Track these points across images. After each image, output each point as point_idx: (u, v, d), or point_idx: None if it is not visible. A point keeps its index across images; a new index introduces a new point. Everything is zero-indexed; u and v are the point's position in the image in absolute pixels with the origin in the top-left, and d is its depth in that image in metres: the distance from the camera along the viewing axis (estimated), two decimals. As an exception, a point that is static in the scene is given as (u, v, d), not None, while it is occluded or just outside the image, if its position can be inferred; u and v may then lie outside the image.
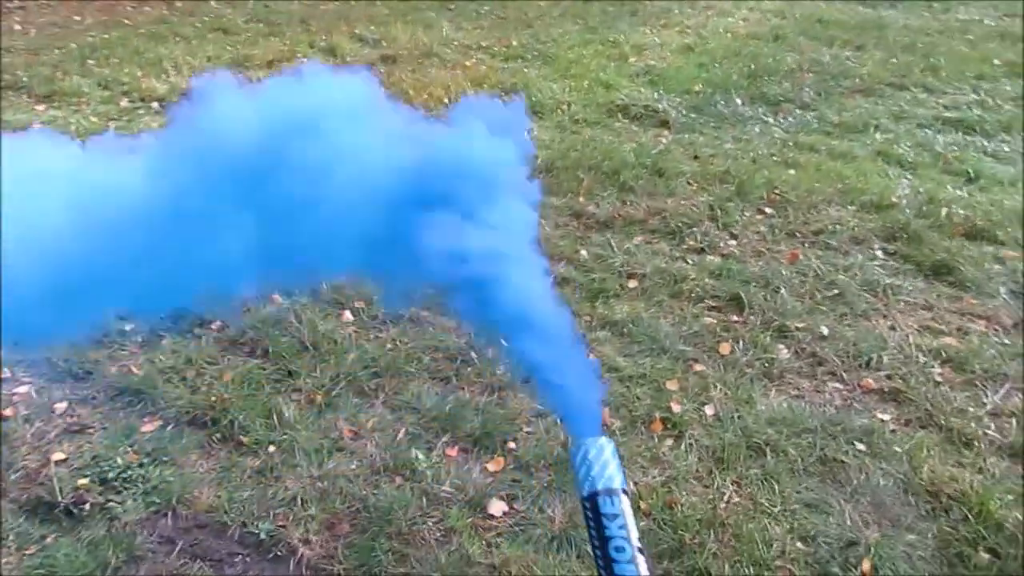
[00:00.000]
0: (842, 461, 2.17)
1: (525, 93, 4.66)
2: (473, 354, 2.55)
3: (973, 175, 3.76)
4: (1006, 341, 2.64)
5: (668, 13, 6.57)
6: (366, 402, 2.38)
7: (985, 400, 2.38)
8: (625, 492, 1.16)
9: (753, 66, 5.19)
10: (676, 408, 2.35)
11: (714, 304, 2.84)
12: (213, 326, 2.70)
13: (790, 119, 4.48)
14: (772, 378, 2.50)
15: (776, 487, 2.09)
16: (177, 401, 2.34)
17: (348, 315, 2.76)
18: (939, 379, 2.47)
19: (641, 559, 1.16)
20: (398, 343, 2.61)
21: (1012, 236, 3.22)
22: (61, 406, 2.36)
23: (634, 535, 1.16)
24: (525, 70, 5.19)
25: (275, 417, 2.28)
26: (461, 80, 4.88)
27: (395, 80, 4.78)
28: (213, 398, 2.35)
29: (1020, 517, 1.95)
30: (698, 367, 2.53)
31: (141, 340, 2.62)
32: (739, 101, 4.69)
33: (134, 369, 2.49)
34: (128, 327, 2.65)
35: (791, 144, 4.14)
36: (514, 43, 5.73)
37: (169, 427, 2.27)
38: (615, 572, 1.16)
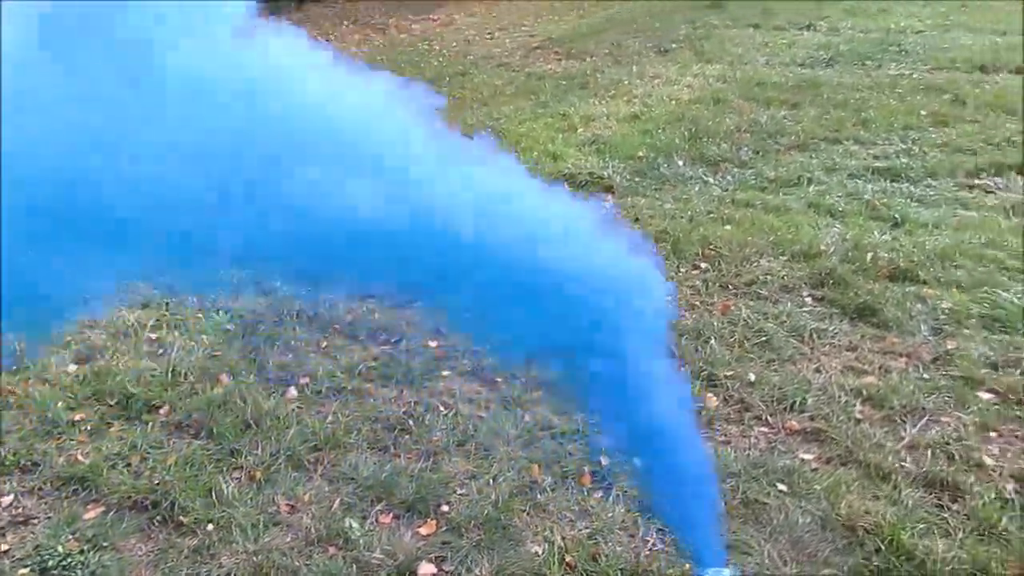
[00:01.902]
0: (764, 502, 2.24)
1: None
2: (411, 422, 2.63)
3: (899, 219, 3.93)
4: (925, 376, 2.74)
5: (617, 85, 6.89)
6: (304, 475, 2.44)
7: (903, 434, 2.47)
8: None
9: (694, 129, 5.45)
10: (605, 461, 2.42)
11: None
12: (161, 411, 2.78)
13: (728, 177, 4.68)
14: (701, 426, 2.58)
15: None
16: (120, 487, 2.40)
17: (292, 392, 2.85)
18: (859, 416, 2.56)
19: None
20: (339, 415, 2.69)
21: (933, 275, 3.36)
22: (7, 499, 2.41)
23: None
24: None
25: (214, 496, 2.34)
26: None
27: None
28: (155, 482, 2.41)
29: (931, 545, 2.02)
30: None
31: (90, 428, 2.69)
32: (680, 163, 4.91)
33: (80, 457, 2.55)
34: (78, 416, 2.74)
35: (728, 201, 4.33)
36: (468, 121, 5.99)
37: (111, 513, 2.32)
38: None
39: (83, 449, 2.60)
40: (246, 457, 2.51)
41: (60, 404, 2.80)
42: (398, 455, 2.50)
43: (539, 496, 2.32)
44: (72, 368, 3.04)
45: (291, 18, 10.89)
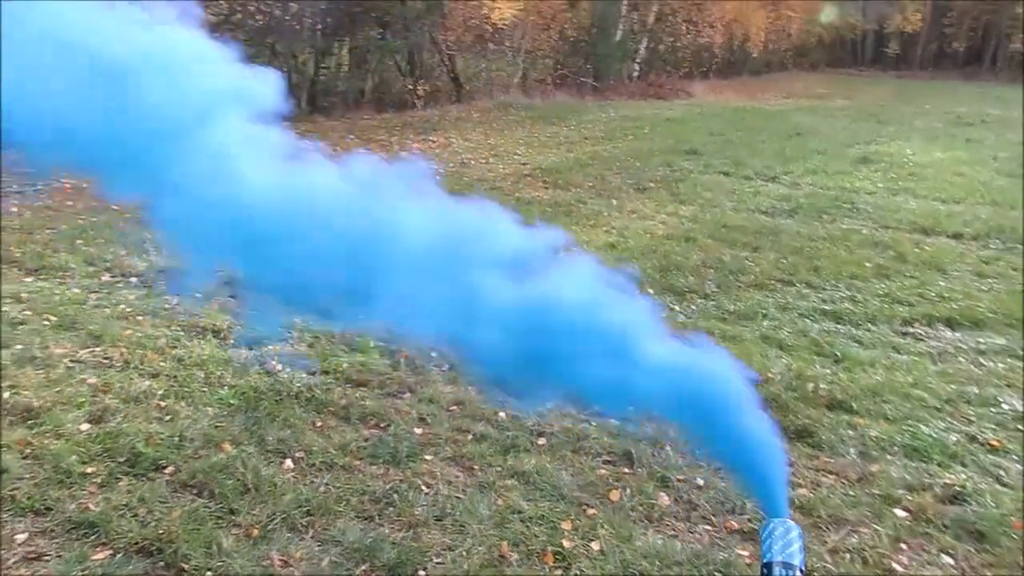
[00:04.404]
0: (703, 589, 2.55)
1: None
2: (395, 497, 2.93)
3: (840, 356, 4.42)
4: (850, 492, 3.12)
5: (598, 215, 7.56)
6: (297, 536, 2.71)
7: (827, 539, 2.82)
8: (802, 571, 1.50)
9: (665, 262, 6.02)
10: (567, 544, 2.73)
11: (608, 459, 3.29)
12: (167, 470, 3.05)
13: (692, 307, 5.19)
14: (652, 520, 2.91)
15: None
16: (128, 533, 2.65)
17: (289, 463, 3.14)
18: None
19: None
20: (330, 486, 2.98)
21: (865, 407, 3.80)
22: (21, 537, 2.64)
23: None
24: (468, 260, 5.93)
25: (215, 547, 2.59)
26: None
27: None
28: (160, 531, 2.67)
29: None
30: (590, 511, 2.94)
31: (100, 481, 2.95)
32: (650, 291, 5.42)
33: (91, 506, 2.80)
34: (89, 469, 2.99)
35: (690, 328, 4.81)
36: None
37: (118, 556, 2.56)
38: None
39: (93, 499, 2.85)
40: (244, 516, 2.78)
41: (73, 457, 3.06)
42: (382, 525, 2.78)
43: (506, 570, 2.60)
44: (85, 427, 3.31)
45: (299, 129, 11.71)
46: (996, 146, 12.66)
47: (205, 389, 3.70)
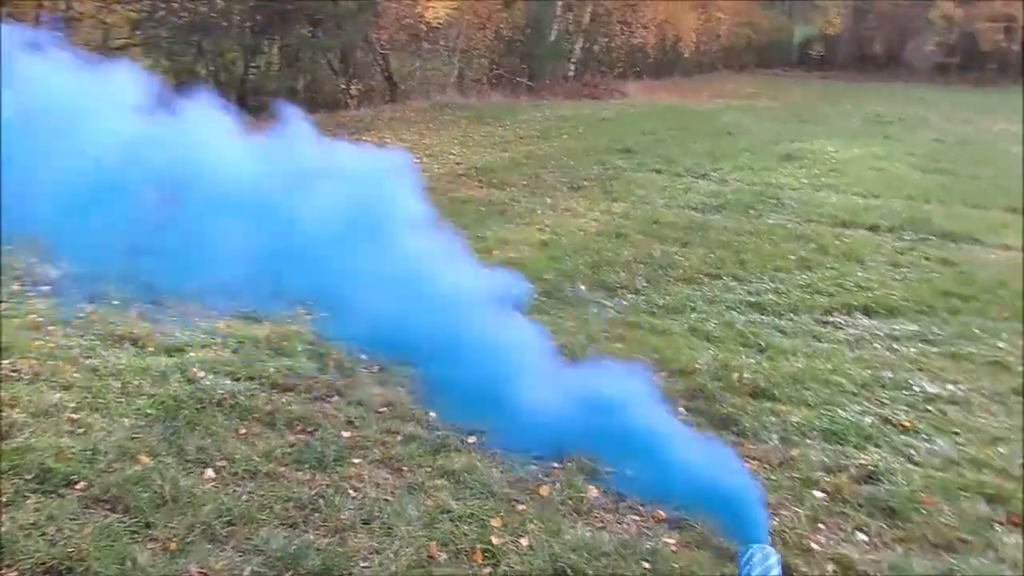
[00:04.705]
0: (629, 578, 2.58)
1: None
2: (321, 502, 2.88)
3: (763, 346, 4.55)
4: (772, 476, 3.21)
5: (532, 213, 7.60)
6: (218, 547, 2.63)
7: (749, 524, 2.89)
8: None
9: (597, 258, 6.09)
10: (496, 541, 2.73)
11: (539, 454, 3.30)
12: (78, 486, 2.91)
13: (623, 302, 5.27)
14: (581, 513, 2.94)
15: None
16: (35, 553, 2.52)
17: (210, 472, 3.04)
18: (715, 509, 2.97)
19: None
20: (254, 495, 2.90)
21: (787, 394, 3.92)
22: (-84, 563, 2.48)
23: None
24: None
25: (129, 563, 2.49)
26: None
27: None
28: (70, 550, 2.54)
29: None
30: (520, 507, 2.94)
31: (5, 500, 2.80)
32: (583, 287, 5.48)
33: (-5, 526, 2.65)
34: (-7, 489, 2.84)
35: (621, 323, 4.88)
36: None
37: (24, 577, 2.44)
38: None
39: (-3, 519, 2.70)
40: (161, 529, 2.68)
41: (-25, 477, 2.90)
42: (307, 531, 2.73)
43: (435, 570, 2.58)
44: (-11, 443, 3.14)
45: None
46: (912, 143, 13.27)
47: (121, 400, 3.55)
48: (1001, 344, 4.66)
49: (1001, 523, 2.91)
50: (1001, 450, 3.42)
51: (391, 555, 2.63)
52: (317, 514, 2.82)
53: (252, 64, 14.54)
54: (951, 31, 32.70)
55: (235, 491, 2.93)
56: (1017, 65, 31.00)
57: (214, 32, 12.83)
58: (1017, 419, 3.75)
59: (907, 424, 3.65)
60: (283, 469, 3.09)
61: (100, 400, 3.53)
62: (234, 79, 13.99)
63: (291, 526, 2.76)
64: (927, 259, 6.52)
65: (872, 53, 35.24)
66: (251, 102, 14.12)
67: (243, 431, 3.37)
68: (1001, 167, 11.20)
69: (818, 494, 3.09)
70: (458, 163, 10.14)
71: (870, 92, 24.38)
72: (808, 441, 3.49)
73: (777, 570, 1.61)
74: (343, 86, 15.06)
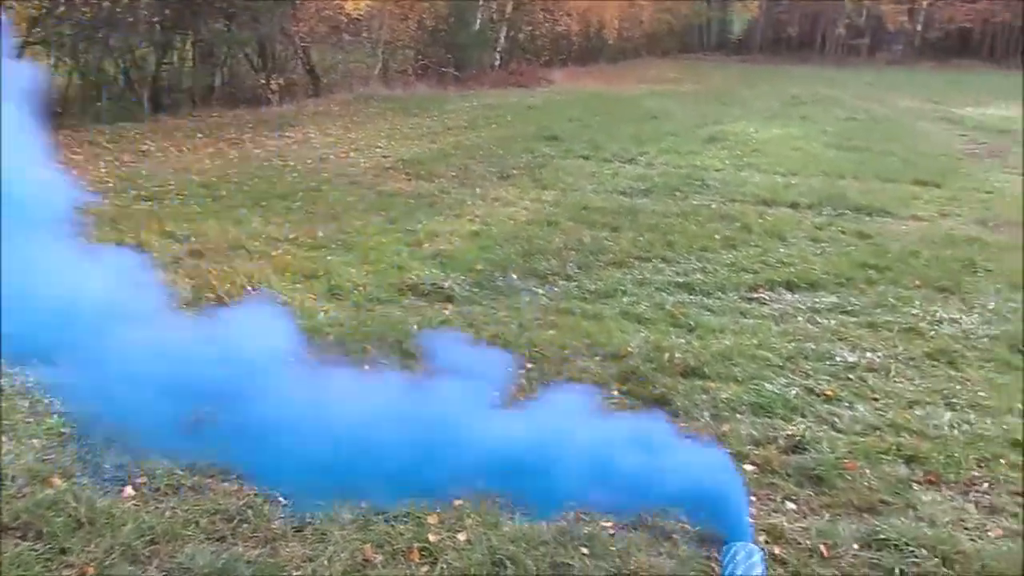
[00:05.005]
0: (569, 564, 2.58)
1: (325, 277, 5.21)
2: (250, 512, 2.77)
3: (693, 326, 4.63)
4: (704, 454, 3.27)
5: (461, 204, 7.54)
6: (140, 568, 2.50)
7: (684, 502, 2.93)
8: None
9: (528, 247, 6.08)
10: (433, 538, 2.69)
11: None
12: (-17, 515, 2.73)
13: (555, 289, 5.28)
14: (518, 504, 2.92)
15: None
16: (-65, 591, 2.35)
17: (129, 490, 2.90)
18: (650, 489, 3.01)
19: None
20: (177, 510, 2.78)
21: (716, 371, 4.00)
22: None
23: None
24: (328, 258, 5.74)
25: (42, 593, 2.35)
26: (266, 269, 5.32)
27: (200, 272, 5.13)
28: (-24, 583, 2.38)
29: (698, 589, 2.43)
30: (456, 502, 2.91)
31: (-100, 537, 2.60)
32: (514, 276, 5.46)
33: None
34: None
35: (553, 309, 4.88)
36: (320, 234, 6.32)
37: (-77, 618, 2.26)
38: None
39: None
40: (78, 555, 2.53)
41: None
42: (236, 544, 2.62)
43: (370, 573, 2.53)
44: None
45: (141, 130, 10.90)
46: (826, 122, 13.79)
47: (30, 420, 3.35)
48: (914, 311, 4.88)
49: (919, 482, 3.03)
50: (917, 412, 3.58)
51: (325, 561, 2.55)
52: (246, 525, 2.72)
53: (164, 61, 13.96)
54: (860, 14, 34.07)
55: (157, 508, 2.80)
56: (919, 45, 32.54)
57: (120, 28, 12.24)
58: (930, 382, 3.92)
59: (830, 393, 3.77)
60: (208, 480, 2.97)
61: (7, 422, 3.32)
62: (145, 77, 13.40)
63: (219, 540, 2.65)
64: (844, 233, 6.76)
65: (787, 36, 36.43)
66: (165, 100, 13.58)
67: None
68: (908, 143, 11.75)
69: (748, 467, 3.15)
70: (385, 156, 9.99)
71: (785, 75, 25.20)
72: (738, 416, 3.57)
73: (760, 567, 1.63)
74: (263, 81, 14.61)
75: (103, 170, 8.54)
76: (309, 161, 9.44)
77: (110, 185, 7.77)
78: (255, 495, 2.89)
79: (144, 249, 5.68)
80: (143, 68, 13.43)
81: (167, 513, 2.76)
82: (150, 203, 7.19)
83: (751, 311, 4.95)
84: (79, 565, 2.50)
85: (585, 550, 2.65)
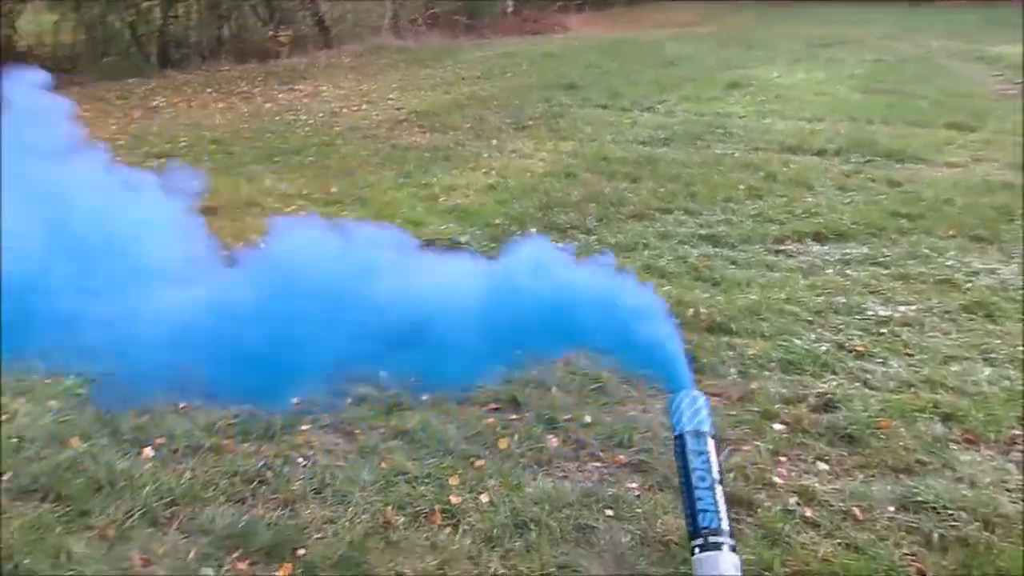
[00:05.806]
0: (593, 526, 2.53)
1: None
2: (269, 474, 2.74)
3: (718, 279, 4.50)
4: (732, 411, 3.18)
5: (477, 157, 7.36)
6: (160, 531, 2.48)
7: (711, 461, 2.86)
8: (713, 437, 1.39)
9: (546, 199, 5.94)
10: (455, 500, 2.64)
11: (496, 406, 3.21)
12: (4, 477, 2.72)
13: (574, 243, 5.14)
14: (542, 464, 2.86)
15: (537, 556, 2.40)
16: (-43, 554, 2.34)
17: (148, 451, 2.87)
18: (677, 448, 2.93)
19: (719, 488, 1.47)
20: (196, 472, 2.75)
21: (743, 327, 3.89)
22: None
23: (715, 469, 1.48)
24: (343, 213, 5.63)
25: (64, 555, 2.33)
26: (280, 226, 5.22)
27: (213, 230, 5.03)
28: (-2, 546, 2.37)
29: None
30: (478, 462, 2.85)
31: (-78, 500, 2.59)
32: (533, 230, 5.33)
33: (-89, 529, 2.45)
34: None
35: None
36: (333, 190, 6.21)
37: (-54, 581, 2.26)
38: (695, 497, 1.47)
39: (-86, 520, 2.50)
40: (98, 516, 2.51)
41: None
42: (255, 505, 2.59)
43: (392, 535, 2.49)
44: (-101, 440, 2.90)
45: (150, 86, 10.74)
46: (853, 64, 13.26)
47: (48, 381, 3.32)
48: (949, 262, 4.70)
49: (957, 441, 2.93)
50: (954, 368, 3.45)
51: (346, 523, 2.52)
52: (265, 487, 2.69)
53: (171, 14, 13.68)
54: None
55: (176, 469, 2.77)
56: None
57: (123, -21, 11.99)
58: (967, 336, 3.79)
59: (862, 349, 3.65)
60: (227, 442, 2.94)
61: (23, 383, 3.29)
62: (152, 31, 13.16)
63: (238, 502, 2.62)
64: (873, 181, 6.52)
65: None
66: (174, 55, 13.36)
67: (183, 405, 3.18)
68: (939, 84, 11.30)
69: (778, 427, 3.06)
70: (398, 108, 9.76)
71: (809, 15, 24.25)
72: (766, 373, 3.47)
73: (706, 411, 1.57)
74: (272, 34, 14.30)
75: (113, 127, 8.43)
76: (321, 115, 9.26)
77: (121, 143, 7.66)
78: (274, 456, 2.86)
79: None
80: (149, 22, 13.17)
81: (187, 474, 2.73)
82: (162, 160, 7.09)
83: (778, 264, 4.79)
84: (99, 527, 2.48)
85: (610, 512, 2.59)
